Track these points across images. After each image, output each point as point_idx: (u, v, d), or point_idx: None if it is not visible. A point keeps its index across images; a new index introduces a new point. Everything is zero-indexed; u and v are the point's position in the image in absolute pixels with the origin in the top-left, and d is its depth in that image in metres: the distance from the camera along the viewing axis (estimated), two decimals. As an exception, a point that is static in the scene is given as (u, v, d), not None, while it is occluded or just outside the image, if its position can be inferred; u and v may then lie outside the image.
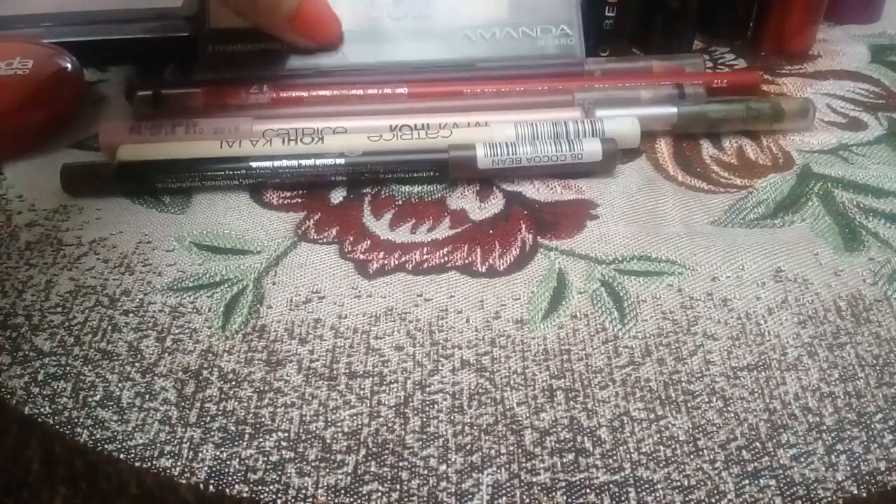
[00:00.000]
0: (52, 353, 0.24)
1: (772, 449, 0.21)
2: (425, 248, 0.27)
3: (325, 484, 0.20)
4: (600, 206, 0.29)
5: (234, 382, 0.23)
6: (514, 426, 0.22)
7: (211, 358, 0.24)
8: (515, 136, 0.31)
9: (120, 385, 0.23)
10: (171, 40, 0.38)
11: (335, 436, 0.21)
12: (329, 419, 0.22)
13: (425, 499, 0.20)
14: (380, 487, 0.20)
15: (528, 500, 0.20)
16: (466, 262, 0.27)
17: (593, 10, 0.36)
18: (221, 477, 0.20)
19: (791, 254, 0.27)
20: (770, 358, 0.23)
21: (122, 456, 0.21)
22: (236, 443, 0.21)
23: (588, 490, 0.20)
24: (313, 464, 0.21)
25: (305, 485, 0.20)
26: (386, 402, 0.22)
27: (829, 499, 0.20)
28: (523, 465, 0.21)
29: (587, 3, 0.36)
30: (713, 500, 0.20)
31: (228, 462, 0.21)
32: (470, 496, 0.20)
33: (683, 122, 0.32)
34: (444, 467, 0.21)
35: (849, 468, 0.20)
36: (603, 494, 0.20)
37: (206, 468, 0.21)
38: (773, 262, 0.27)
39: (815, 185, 0.30)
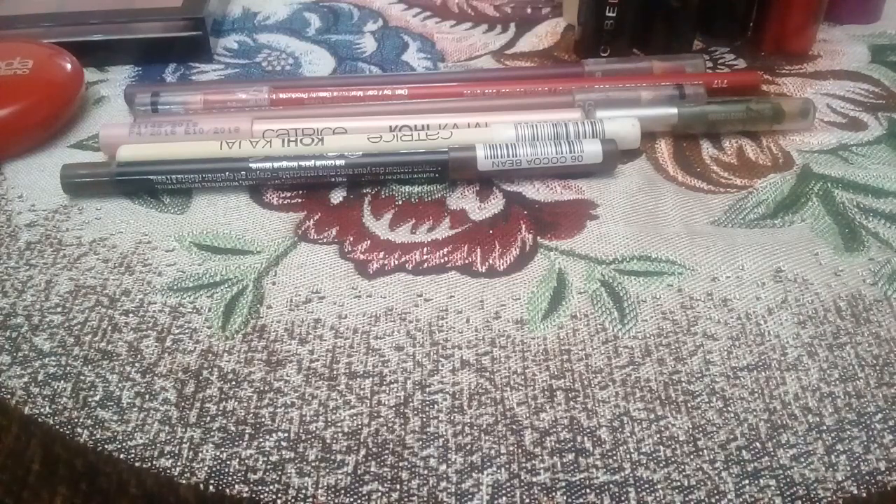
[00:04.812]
0: (52, 353, 0.24)
1: (772, 449, 0.21)
2: (425, 249, 0.27)
3: (325, 484, 0.20)
4: (600, 207, 0.29)
5: (234, 382, 0.23)
6: (514, 426, 0.22)
7: (211, 358, 0.24)
8: (515, 137, 0.31)
9: (120, 385, 0.23)
10: (171, 40, 0.38)
11: (335, 436, 0.21)
12: (329, 419, 0.22)
13: (425, 499, 0.20)
14: (380, 487, 0.20)
15: (528, 500, 0.20)
16: (466, 262, 0.27)
17: (593, 10, 0.36)
18: (221, 477, 0.20)
19: (791, 254, 0.27)
20: (770, 358, 0.23)
21: (122, 456, 0.21)
22: (236, 443, 0.21)
23: (588, 490, 0.20)
24: (313, 464, 0.21)
25: (305, 485, 0.20)
26: (386, 402, 0.22)
27: (829, 499, 0.20)
28: (523, 465, 0.21)
29: (587, 3, 0.36)
30: (713, 500, 0.20)
31: (228, 462, 0.21)
32: (470, 496, 0.20)
33: (684, 122, 0.32)
34: (444, 467, 0.21)
35: (849, 468, 0.20)
36: (603, 494, 0.20)
37: (206, 468, 0.21)
38: (773, 262, 0.27)
39: (815, 185, 0.30)
